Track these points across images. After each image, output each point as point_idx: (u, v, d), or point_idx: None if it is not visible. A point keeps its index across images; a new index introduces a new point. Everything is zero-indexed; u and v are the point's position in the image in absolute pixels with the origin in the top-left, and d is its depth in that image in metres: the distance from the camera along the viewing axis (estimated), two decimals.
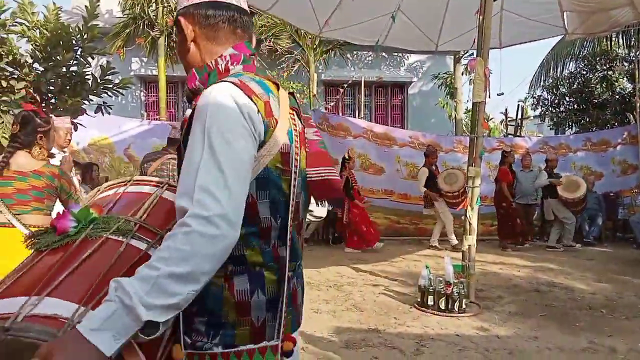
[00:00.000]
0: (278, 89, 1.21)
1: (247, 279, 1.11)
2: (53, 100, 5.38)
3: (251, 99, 1.08)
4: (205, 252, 0.95)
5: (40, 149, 2.70)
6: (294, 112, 1.26)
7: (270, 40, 11.20)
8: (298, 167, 1.19)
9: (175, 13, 1.27)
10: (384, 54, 13.28)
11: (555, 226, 7.85)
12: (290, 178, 1.16)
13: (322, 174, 1.26)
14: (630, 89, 12.34)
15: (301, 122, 1.29)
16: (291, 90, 1.33)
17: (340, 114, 12.64)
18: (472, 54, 8.67)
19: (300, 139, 1.24)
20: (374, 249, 7.34)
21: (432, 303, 4.35)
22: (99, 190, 1.43)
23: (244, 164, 1.04)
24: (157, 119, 10.62)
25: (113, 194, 1.37)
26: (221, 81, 1.10)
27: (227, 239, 0.98)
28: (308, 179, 1.26)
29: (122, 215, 1.21)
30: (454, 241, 7.51)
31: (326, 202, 1.38)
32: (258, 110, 1.08)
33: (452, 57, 12.72)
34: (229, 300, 1.10)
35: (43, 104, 5.37)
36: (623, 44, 12.02)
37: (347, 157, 7.61)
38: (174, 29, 1.69)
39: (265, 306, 1.12)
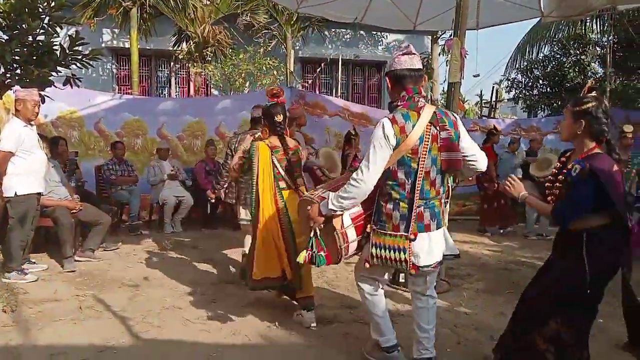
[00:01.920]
0: (419, 116, 2.37)
1: (392, 204, 2.44)
2: (18, 71, 5.17)
3: (392, 126, 2.35)
4: (352, 191, 2.40)
5: (287, 130, 3.68)
6: (432, 124, 2.39)
7: (247, 15, 10.97)
8: (427, 154, 2.37)
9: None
10: (362, 32, 13.18)
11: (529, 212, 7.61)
12: (418, 160, 2.37)
13: (446, 157, 2.44)
14: (601, 74, 12.59)
15: (436, 128, 2.40)
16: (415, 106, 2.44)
17: (317, 92, 12.56)
18: (450, 34, 8.68)
19: (432, 138, 2.39)
20: None
21: (403, 280, 4.41)
22: None
23: (380, 157, 2.36)
24: (129, 93, 10.35)
25: None
26: (385, 116, 2.41)
27: (362, 188, 2.38)
28: (440, 158, 2.43)
29: None
30: None
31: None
32: (394, 132, 2.34)
33: (430, 37, 12.71)
34: (384, 211, 2.46)
35: (8, 75, 5.17)
36: (597, 28, 12.18)
37: (353, 134, 6.86)
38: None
39: (399, 218, 2.41)
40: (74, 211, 5.19)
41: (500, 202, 7.45)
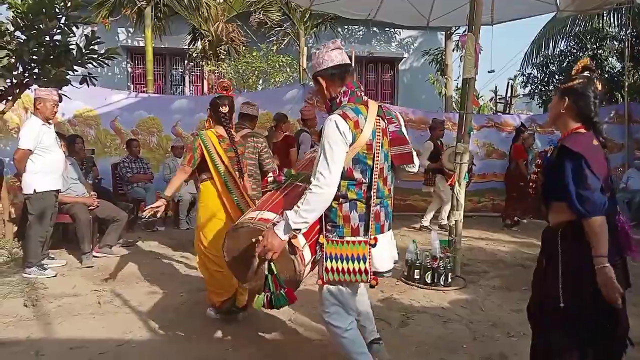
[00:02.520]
0: (367, 109, 2.22)
1: (348, 205, 2.19)
2: (36, 70, 5.25)
3: (346, 121, 2.11)
4: (316, 199, 2.08)
5: (233, 123, 3.68)
6: (380, 117, 2.25)
7: (260, 13, 10.99)
8: (380, 149, 2.21)
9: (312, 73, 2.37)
10: (375, 29, 13.11)
11: None
12: (373, 156, 2.19)
13: (397, 151, 2.32)
14: (619, 68, 12.39)
15: (384, 122, 2.28)
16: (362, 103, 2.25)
17: None
18: (464, 30, 8.60)
19: (383, 132, 2.25)
20: None
21: (418, 277, 4.41)
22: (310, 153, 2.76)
23: (339, 157, 2.10)
24: (144, 91, 10.44)
25: (307, 159, 2.65)
26: (334, 112, 2.17)
27: (326, 194, 2.09)
28: (391, 153, 2.30)
29: (304, 172, 2.44)
30: (444, 221, 6.95)
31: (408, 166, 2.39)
32: (349, 127, 2.11)
33: (444, 33, 12.62)
34: (339, 215, 2.20)
35: (26, 74, 5.25)
36: (614, 22, 11.99)
37: None
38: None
39: (358, 219, 2.20)
40: (92, 208, 5.27)
41: (528, 199, 7.42)
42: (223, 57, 10.82)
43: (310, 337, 3.27)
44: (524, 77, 14.50)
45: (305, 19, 11.27)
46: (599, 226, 1.88)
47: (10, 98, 5.35)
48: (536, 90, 14.32)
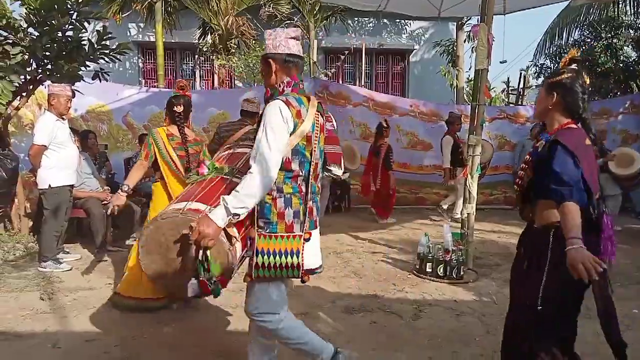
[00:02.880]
0: (309, 101, 2.21)
1: (283, 200, 2.12)
2: (49, 66, 5.30)
3: (289, 108, 2.08)
4: (257, 184, 2.00)
5: (189, 122, 3.73)
6: (319, 113, 2.25)
7: (269, 6, 10.97)
8: (317, 143, 2.20)
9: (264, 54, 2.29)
10: (385, 20, 13.04)
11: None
12: (311, 149, 2.17)
13: (330, 149, 2.39)
14: (634, 57, 12.17)
15: (323, 118, 2.30)
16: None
17: (341, 82, 12.50)
18: (476, 20, 8.49)
19: (320, 128, 2.25)
20: (385, 221, 7.32)
21: (430, 270, 4.40)
22: (228, 149, 2.61)
23: (280, 142, 2.05)
24: (155, 86, 10.50)
25: (227, 153, 2.52)
26: (276, 98, 2.13)
27: (267, 177, 2.02)
28: (324, 151, 2.34)
29: (228, 166, 2.36)
30: (457, 215, 6.88)
31: (343, 166, 2.46)
32: (292, 115, 2.08)
33: (455, 24, 12.49)
34: (273, 211, 2.12)
35: (39, 70, 5.30)
36: (630, 10, 11.75)
37: (384, 126, 7.22)
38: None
39: (293, 215, 2.13)
40: (105, 202, 5.31)
41: None
42: (233, 51, 10.84)
43: (325, 330, 3.28)
44: (537, 68, 14.30)
45: (315, 12, 11.22)
46: (574, 210, 1.82)
47: (24, 94, 5.41)
48: None
